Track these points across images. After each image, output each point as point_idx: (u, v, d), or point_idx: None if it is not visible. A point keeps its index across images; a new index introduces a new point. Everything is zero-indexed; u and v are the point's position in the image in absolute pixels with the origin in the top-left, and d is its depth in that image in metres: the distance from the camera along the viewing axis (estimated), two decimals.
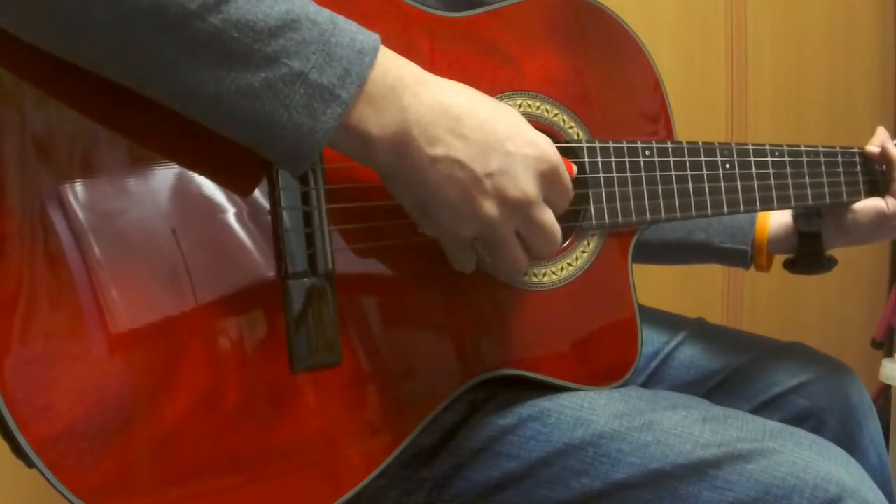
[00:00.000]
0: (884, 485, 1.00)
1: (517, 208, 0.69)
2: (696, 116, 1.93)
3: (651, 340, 1.08)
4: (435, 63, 0.69)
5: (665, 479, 0.77)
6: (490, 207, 0.68)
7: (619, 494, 0.78)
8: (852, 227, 1.06)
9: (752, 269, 1.14)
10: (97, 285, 0.61)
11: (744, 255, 1.12)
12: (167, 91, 0.61)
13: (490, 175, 0.67)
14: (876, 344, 2.09)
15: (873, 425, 1.05)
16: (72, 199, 0.61)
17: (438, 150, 0.66)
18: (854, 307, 2.27)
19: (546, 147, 0.70)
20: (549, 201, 0.71)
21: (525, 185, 0.68)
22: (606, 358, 0.86)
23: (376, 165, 0.67)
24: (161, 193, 0.64)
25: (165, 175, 0.64)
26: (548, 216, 0.71)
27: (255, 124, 0.61)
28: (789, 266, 1.11)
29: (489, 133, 0.67)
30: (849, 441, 1.01)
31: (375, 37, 0.64)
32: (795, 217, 1.09)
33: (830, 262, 1.09)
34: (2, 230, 0.59)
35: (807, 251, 1.09)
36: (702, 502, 0.77)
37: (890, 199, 1.04)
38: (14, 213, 0.59)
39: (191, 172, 0.65)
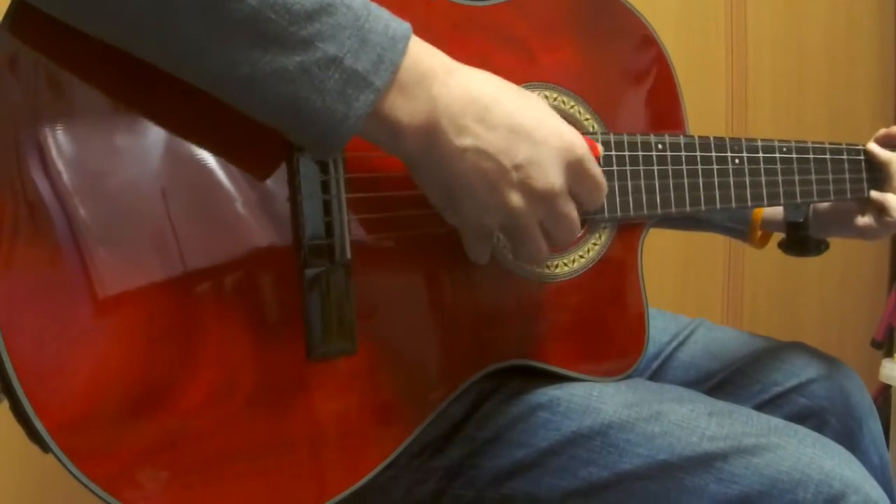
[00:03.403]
0: (884, 484, 1.00)
1: (543, 200, 0.69)
2: (696, 116, 1.92)
3: (652, 341, 1.08)
4: (456, 52, 0.70)
5: (672, 470, 0.78)
6: (516, 198, 0.68)
7: (626, 485, 0.79)
8: (834, 226, 1.07)
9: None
10: (115, 273, 0.61)
11: (741, 232, 1.16)
12: (201, 72, 0.61)
13: (517, 166, 0.67)
14: (876, 344, 2.09)
15: (874, 425, 1.05)
16: (90, 186, 0.61)
17: (466, 141, 0.66)
18: (854, 307, 2.27)
19: (573, 138, 0.70)
20: (575, 193, 0.71)
21: (552, 176, 0.68)
22: (614, 349, 0.86)
23: (403, 154, 0.67)
24: (179, 180, 0.64)
25: (185, 162, 0.64)
26: (571, 209, 0.71)
27: (288, 108, 0.61)
28: (782, 247, 1.13)
29: (516, 124, 0.67)
30: (850, 440, 1.01)
31: (407, 24, 0.64)
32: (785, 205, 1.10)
33: (820, 246, 1.10)
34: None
35: (794, 238, 1.10)
36: (708, 494, 0.77)
37: (868, 216, 1.04)
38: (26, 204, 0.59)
39: (210, 158, 0.65)
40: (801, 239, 1.10)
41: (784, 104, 2.11)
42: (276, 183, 0.68)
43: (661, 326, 1.11)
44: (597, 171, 0.72)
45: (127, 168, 0.62)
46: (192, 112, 0.64)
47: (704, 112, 1.99)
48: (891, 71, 2.29)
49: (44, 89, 0.61)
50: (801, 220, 1.08)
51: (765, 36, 2.06)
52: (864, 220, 1.04)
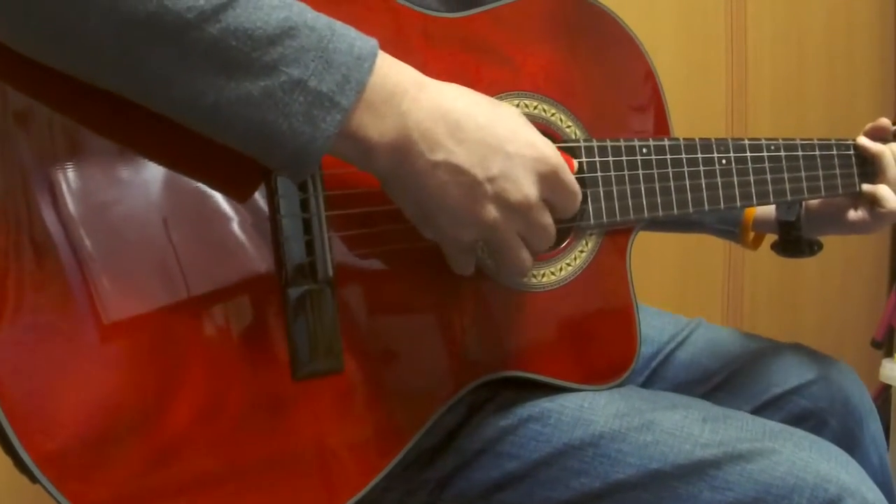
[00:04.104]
0: (884, 485, 1.00)
1: (518, 211, 0.69)
2: (696, 116, 1.94)
3: (651, 341, 1.08)
4: (431, 65, 0.69)
5: (665, 479, 0.77)
6: (491, 211, 0.68)
7: (619, 495, 0.78)
8: (828, 224, 1.07)
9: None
10: (97, 299, 0.61)
11: (732, 234, 1.16)
12: (166, 102, 0.61)
13: (490, 179, 0.67)
14: (876, 344, 2.09)
15: (874, 425, 1.05)
16: (64, 208, 0.61)
17: (438, 156, 0.65)
18: (854, 307, 2.27)
19: (545, 149, 0.70)
20: (550, 203, 0.71)
21: (526, 188, 0.68)
22: (605, 357, 0.86)
23: (376, 171, 0.67)
24: (160, 204, 0.64)
25: (165, 186, 0.64)
26: (547, 219, 0.71)
27: (255, 133, 0.61)
28: (775, 249, 1.13)
29: (489, 137, 0.67)
30: (850, 441, 1.01)
31: (373, 42, 0.64)
32: (777, 205, 1.10)
33: (813, 247, 1.10)
34: None
35: (786, 238, 1.10)
36: (702, 502, 0.77)
37: (861, 211, 1.04)
38: (5, 231, 0.59)
39: (189, 183, 0.65)
40: (794, 239, 1.10)
41: (784, 104, 2.10)
42: (257, 203, 0.67)
43: (659, 326, 1.11)
44: (571, 179, 0.72)
45: (101, 197, 0.62)
46: (169, 136, 0.64)
47: (704, 112, 1.99)
48: (891, 71, 2.28)
49: (29, 125, 0.61)
50: (794, 219, 1.08)
51: (765, 36, 2.06)
52: (856, 214, 1.04)
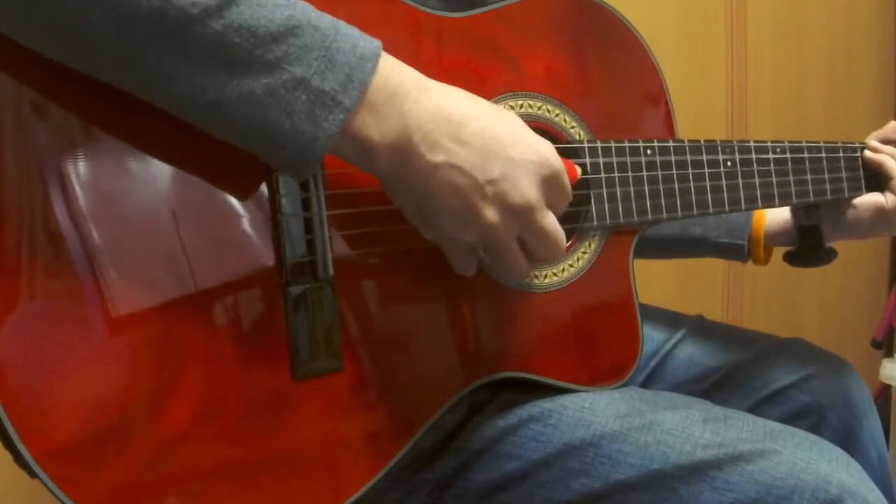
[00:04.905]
0: (882, 481, 1.00)
1: (518, 214, 0.69)
2: (696, 117, 1.94)
3: (650, 338, 1.08)
4: (435, 65, 0.69)
5: (665, 479, 0.77)
6: (491, 214, 0.68)
7: (620, 495, 0.78)
8: (851, 222, 1.06)
9: (751, 263, 1.15)
10: (99, 296, 0.61)
11: (740, 249, 1.13)
12: (167, 97, 0.60)
13: (491, 181, 0.67)
14: (876, 344, 2.09)
15: (873, 422, 1.05)
16: (67, 208, 0.61)
17: (439, 157, 0.65)
18: (854, 307, 2.27)
19: (547, 152, 0.70)
20: (549, 205, 0.71)
21: (526, 191, 0.68)
22: (607, 358, 0.86)
23: (376, 172, 0.67)
24: (162, 202, 0.64)
25: (168, 183, 0.64)
26: (550, 221, 0.71)
27: (256, 131, 0.61)
28: (789, 258, 1.11)
29: (490, 139, 0.67)
30: (848, 437, 1.01)
31: (377, 42, 0.63)
32: (794, 211, 1.09)
33: (830, 254, 1.09)
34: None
35: (806, 244, 1.09)
36: (702, 503, 0.77)
37: (889, 196, 1.04)
38: (13, 227, 0.59)
39: (192, 180, 0.65)
40: (814, 246, 1.08)
41: (784, 104, 2.10)
42: (258, 202, 0.67)
43: (659, 324, 1.11)
44: (567, 185, 0.72)
45: (105, 200, 0.62)
46: (171, 132, 0.63)
47: (704, 112, 1.99)
48: (891, 71, 2.28)
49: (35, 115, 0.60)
50: (816, 223, 1.06)
51: (765, 36, 2.06)
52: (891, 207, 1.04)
